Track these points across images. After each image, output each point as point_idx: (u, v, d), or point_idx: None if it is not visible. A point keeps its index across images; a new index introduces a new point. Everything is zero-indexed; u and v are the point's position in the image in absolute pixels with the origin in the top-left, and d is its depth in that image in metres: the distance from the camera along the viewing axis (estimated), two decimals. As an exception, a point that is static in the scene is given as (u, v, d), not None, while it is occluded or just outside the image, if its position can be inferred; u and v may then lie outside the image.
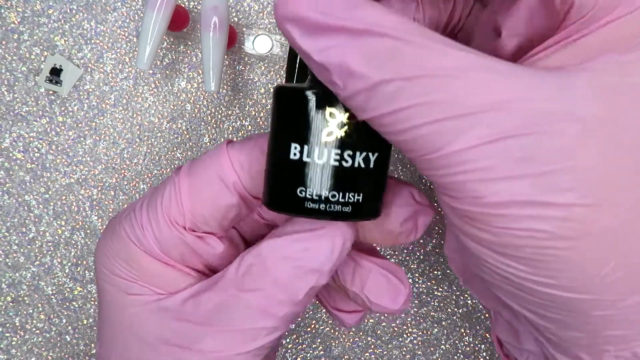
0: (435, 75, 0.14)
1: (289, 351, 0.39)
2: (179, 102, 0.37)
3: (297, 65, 0.32)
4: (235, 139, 0.38)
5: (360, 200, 0.19)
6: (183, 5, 0.36)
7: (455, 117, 0.14)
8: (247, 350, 0.21)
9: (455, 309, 0.39)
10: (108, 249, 0.23)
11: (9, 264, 0.37)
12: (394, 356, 0.38)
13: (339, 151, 0.18)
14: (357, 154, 0.18)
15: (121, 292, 0.22)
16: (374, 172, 0.19)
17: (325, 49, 0.14)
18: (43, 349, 0.38)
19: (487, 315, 0.39)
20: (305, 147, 0.18)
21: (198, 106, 0.38)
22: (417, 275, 0.39)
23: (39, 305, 0.38)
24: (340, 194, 0.18)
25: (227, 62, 0.37)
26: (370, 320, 0.38)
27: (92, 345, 0.38)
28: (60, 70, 0.36)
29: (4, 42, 0.37)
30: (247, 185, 0.22)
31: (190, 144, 0.38)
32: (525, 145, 0.14)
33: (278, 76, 0.38)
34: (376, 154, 0.18)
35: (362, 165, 0.18)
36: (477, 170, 0.14)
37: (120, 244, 0.22)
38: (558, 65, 0.15)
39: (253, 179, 0.21)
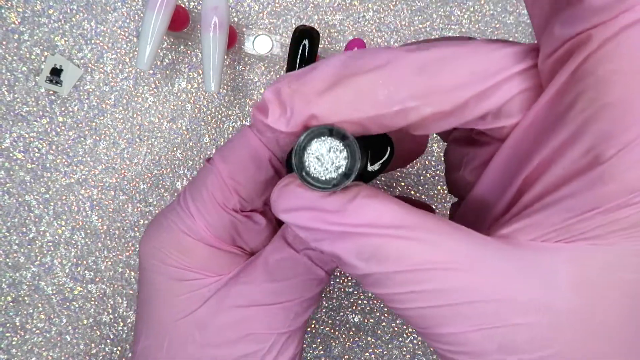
0: (417, 270, 0.15)
1: (289, 351, 0.39)
2: (179, 102, 0.37)
3: (297, 65, 0.32)
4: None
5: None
6: (183, 5, 0.36)
7: (438, 307, 0.15)
8: (307, 298, 0.24)
9: (455, 309, 0.39)
10: (157, 241, 0.24)
11: (9, 264, 0.37)
12: (394, 356, 0.38)
13: None
14: None
15: (174, 280, 0.24)
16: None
17: (318, 240, 0.16)
18: (43, 349, 0.38)
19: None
20: None
21: (198, 106, 0.38)
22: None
23: (39, 305, 0.38)
24: None
25: (227, 62, 0.37)
26: (370, 320, 0.38)
27: (92, 345, 0.38)
28: (61, 70, 0.36)
29: (4, 42, 0.37)
30: (280, 156, 0.24)
31: (191, 144, 0.38)
32: (505, 335, 0.15)
33: (278, 76, 0.38)
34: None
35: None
36: (463, 353, 0.16)
37: (170, 235, 0.24)
38: (543, 237, 0.15)
39: (283, 150, 0.23)
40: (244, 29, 0.36)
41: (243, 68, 0.38)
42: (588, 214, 0.14)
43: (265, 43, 0.35)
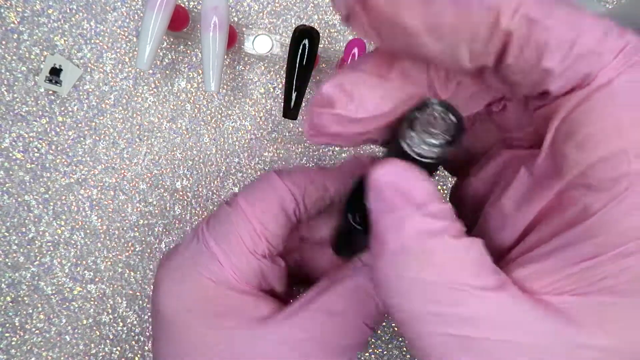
0: (465, 319, 0.14)
1: (289, 351, 0.39)
2: (179, 102, 0.37)
3: (297, 65, 0.32)
4: (236, 140, 0.38)
5: None
6: (183, 5, 0.36)
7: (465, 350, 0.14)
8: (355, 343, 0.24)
9: (455, 309, 0.39)
10: (182, 290, 0.24)
11: (9, 264, 0.37)
12: (394, 356, 0.38)
13: None
14: None
15: (206, 329, 0.23)
16: None
17: (389, 212, 0.15)
18: (43, 349, 0.38)
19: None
20: None
21: (198, 106, 0.38)
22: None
23: (39, 305, 0.38)
24: None
25: (227, 62, 0.37)
26: (370, 320, 0.38)
27: (92, 345, 0.38)
28: (60, 70, 0.36)
29: (3, 42, 0.37)
30: (303, 210, 0.25)
31: (190, 143, 0.38)
32: None
33: (278, 76, 0.38)
34: None
35: None
36: None
37: (196, 285, 0.24)
38: (555, 284, 0.15)
39: (308, 208, 0.25)
40: (244, 29, 0.36)
41: (243, 68, 0.37)
42: (589, 261, 0.14)
43: (265, 43, 0.35)
